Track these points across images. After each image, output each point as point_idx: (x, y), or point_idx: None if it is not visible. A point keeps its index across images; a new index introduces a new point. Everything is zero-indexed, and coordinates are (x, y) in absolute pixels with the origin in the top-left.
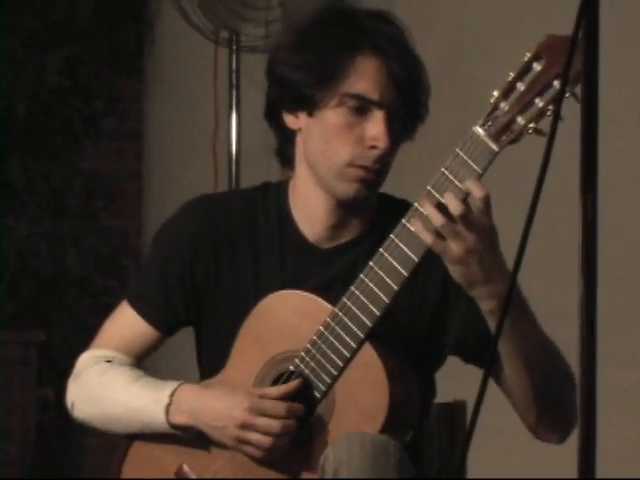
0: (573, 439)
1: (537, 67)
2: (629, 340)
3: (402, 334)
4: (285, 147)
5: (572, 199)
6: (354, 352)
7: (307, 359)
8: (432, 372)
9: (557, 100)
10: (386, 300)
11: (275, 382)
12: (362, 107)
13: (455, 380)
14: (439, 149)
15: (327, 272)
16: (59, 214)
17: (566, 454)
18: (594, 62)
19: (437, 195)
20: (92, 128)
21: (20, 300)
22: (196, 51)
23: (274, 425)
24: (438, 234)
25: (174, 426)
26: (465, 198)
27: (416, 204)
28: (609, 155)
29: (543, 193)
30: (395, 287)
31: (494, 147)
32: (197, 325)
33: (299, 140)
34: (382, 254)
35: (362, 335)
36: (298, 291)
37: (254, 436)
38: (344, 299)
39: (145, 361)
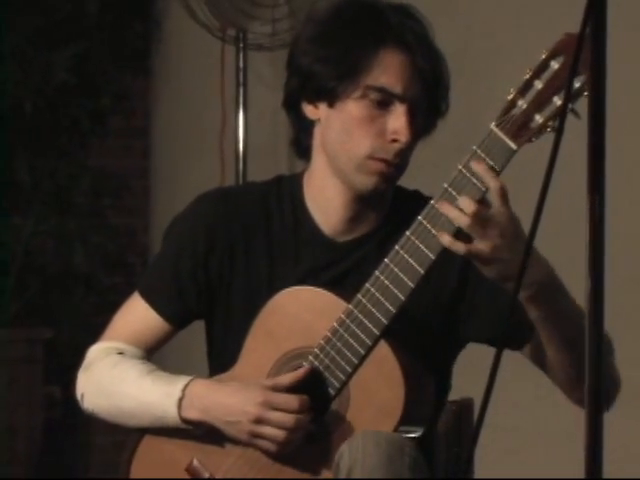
0: (580, 438)
1: (555, 65)
2: (636, 339)
3: (417, 326)
4: (302, 138)
5: (579, 199)
6: (369, 349)
7: (321, 356)
8: (449, 363)
9: (565, 98)
10: (402, 297)
11: None
12: (384, 100)
13: (462, 378)
14: (446, 147)
15: (342, 265)
16: (66, 212)
17: (573, 453)
18: (601, 61)
19: (454, 193)
20: (99, 126)
21: (27, 298)
22: (203, 49)
23: (288, 419)
24: (458, 235)
25: (186, 421)
26: (483, 197)
27: (432, 202)
28: (617, 155)
29: (550, 193)
30: (411, 284)
31: (512, 145)
32: (209, 319)
33: (317, 131)
34: (398, 251)
35: (377, 332)
36: (311, 287)
37: (268, 430)
38: (359, 296)
39: (153, 356)
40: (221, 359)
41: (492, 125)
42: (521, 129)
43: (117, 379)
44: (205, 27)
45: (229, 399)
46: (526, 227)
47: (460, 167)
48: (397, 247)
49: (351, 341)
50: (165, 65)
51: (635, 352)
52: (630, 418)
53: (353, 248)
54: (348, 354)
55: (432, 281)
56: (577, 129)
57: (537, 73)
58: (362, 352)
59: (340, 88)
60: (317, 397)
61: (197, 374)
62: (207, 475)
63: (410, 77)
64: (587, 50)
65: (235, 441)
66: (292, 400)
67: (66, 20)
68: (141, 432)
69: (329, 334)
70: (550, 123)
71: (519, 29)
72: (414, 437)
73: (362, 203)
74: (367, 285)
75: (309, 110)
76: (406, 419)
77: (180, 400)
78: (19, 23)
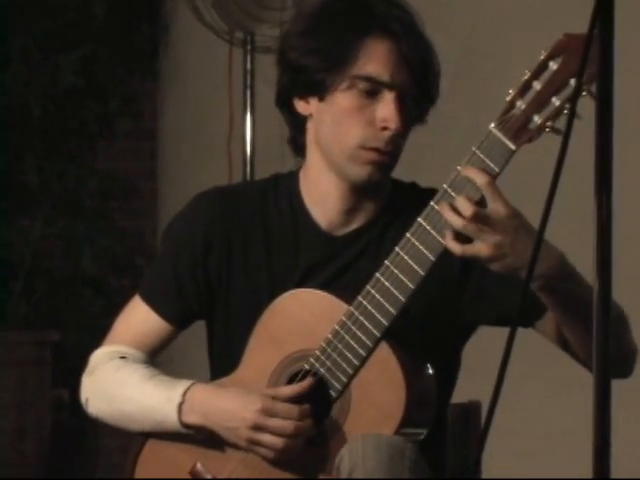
0: (587, 440)
1: (553, 66)
2: None
3: (422, 320)
4: (297, 135)
5: (586, 200)
6: (370, 351)
7: (322, 358)
8: (458, 350)
9: (572, 99)
10: (402, 299)
11: (290, 381)
12: (373, 89)
13: (469, 381)
14: (454, 148)
15: (341, 259)
16: (74, 214)
17: (581, 455)
18: (609, 61)
19: (453, 194)
20: (107, 128)
21: (35, 300)
22: (211, 51)
23: (286, 426)
24: (459, 235)
25: (186, 425)
26: (482, 197)
27: (432, 203)
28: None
29: (558, 193)
30: (411, 286)
31: (511, 146)
32: (209, 318)
33: (310, 126)
34: (398, 253)
35: (378, 334)
36: (313, 290)
37: (266, 437)
38: (360, 298)
39: (159, 360)
40: (222, 359)
41: (491, 126)
42: (520, 130)
43: (119, 383)
44: (213, 30)
45: (229, 405)
46: (535, 226)
47: (459, 168)
48: (397, 248)
49: (352, 343)
50: (173, 68)
51: None
52: (639, 418)
53: (351, 241)
54: (349, 356)
55: (435, 274)
56: (584, 130)
57: (536, 74)
58: (363, 354)
59: (328, 80)
60: (319, 400)
61: (200, 376)
62: (210, 478)
63: (397, 64)
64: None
65: (236, 446)
66: (291, 408)
67: (74, 23)
68: (145, 436)
69: (330, 336)
70: (549, 124)
71: (525, 31)
72: (418, 439)
73: (358, 194)
74: (368, 287)
75: (301, 106)
76: (408, 421)
77: (180, 405)
78: (27, 26)
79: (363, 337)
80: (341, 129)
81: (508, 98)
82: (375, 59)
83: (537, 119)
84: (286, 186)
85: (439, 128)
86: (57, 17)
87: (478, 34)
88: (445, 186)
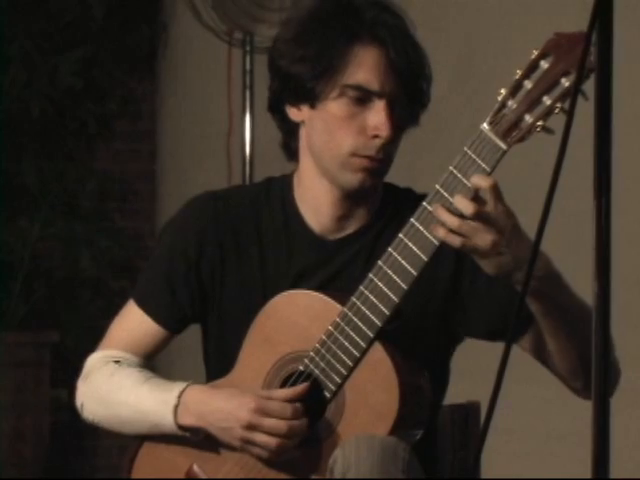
0: (587, 440)
1: (544, 65)
2: None
3: (412, 325)
4: (289, 140)
5: (586, 201)
6: (364, 351)
7: (317, 359)
8: (446, 359)
9: (571, 99)
10: (395, 300)
11: (284, 382)
12: (363, 97)
13: (469, 381)
14: (452, 149)
15: (334, 264)
16: (72, 215)
17: (580, 455)
18: (608, 62)
19: (446, 194)
20: (106, 129)
21: (33, 301)
22: (210, 52)
23: (280, 426)
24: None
25: (182, 427)
26: (475, 195)
27: (424, 203)
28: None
29: (557, 194)
30: (404, 286)
31: (502, 145)
32: (204, 322)
33: (302, 132)
34: (391, 253)
35: (372, 335)
36: (307, 291)
37: (260, 437)
38: (353, 299)
39: (158, 361)
40: (217, 361)
41: (482, 125)
42: (511, 129)
43: (114, 388)
44: (212, 30)
45: (223, 405)
46: (534, 228)
47: (451, 168)
48: (390, 249)
49: (346, 344)
50: (172, 68)
51: None
52: (638, 419)
53: (344, 246)
54: (343, 357)
55: (425, 278)
56: (583, 131)
57: (527, 73)
58: (357, 354)
59: (318, 88)
60: (313, 400)
61: (196, 379)
62: (205, 479)
63: (386, 72)
64: (578, 49)
65: (231, 447)
66: (285, 407)
67: (73, 24)
68: (141, 439)
69: (324, 337)
70: (540, 123)
71: (524, 31)
72: (413, 439)
73: (351, 201)
74: (361, 288)
75: (292, 112)
76: (402, 422)
77: (176, 407)
78: (26, 27)
79: (357, 338)
80: (332, 137)
81: (500, 98)
82: (364, 67)
83: (528, 118)
84: (279, 190)
85: (438, 128)
86: (56, 18)
87: (477, 35)
88: (437, 186)
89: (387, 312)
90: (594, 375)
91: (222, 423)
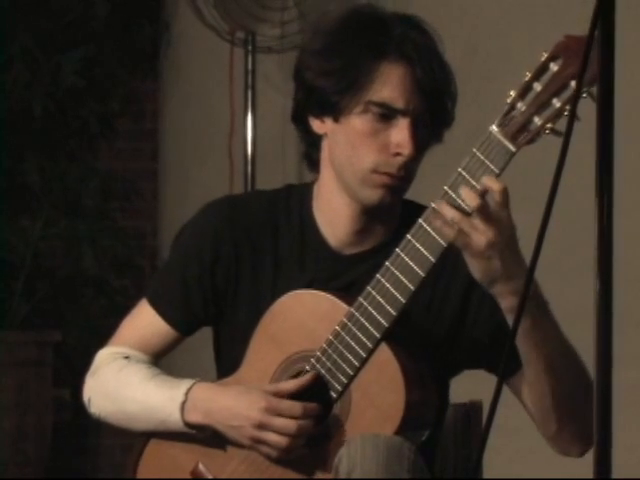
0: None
1: (554, 67)
2: None
3: (419, 337)
4: (312, 151)
5: (588, 200)
6: (370, 352)
7: (323, 359)
8: (446, 379)
9: (573, 100)
10: (403, 300)
11: None
12: (387, 114)
13: (471, 381)
14: (454, 149)
15: (346, 278)
16: (75, 214)
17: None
18: (610, 63)
19: (454, 195)
20: (108, 128)
21: (36, 300)
22: (212, 51)
23: (291, 425)
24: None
25: (189, 424)
26: (482, 195)
27: (433, 204)
28: (625, 156)
29: (559, 194)
30: (412, 287)
31: (511, 147)
32: (216, 325)
33: (325, 145)
34: (399, 254)
35: (379, 335)
36: (314, 290)
37: (270, 436)
38: (360, 299)
39: (164, 360)
40: (228, 365)
41: (491, 127)
42: (520, 131)
43: (122, 383)
44: (214, 30)
45: (232, 402)
46: (535, 228)
47: (460, 169)
48: (398, 250)
49: (352, 344)
50: (174, 68)
51: None
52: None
53: (358, 261)
54: (350, 357)
55: (436, 292)
56: (585, 131)
57: (536, 75)
58: (363, 355)
59: (343, 103)
60: (319, 400)
61: (206, 377)
62: (211, 478)
63: (411, 90)
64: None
65: (238, 445)
66: (295, 406)
67: (75, 23)
68: (147, 436)
69: (331, 337)
70: (549, 125)
71: (525, 31)
72: (419, 440)
73: (369, 216)
74: (368, 288)
75: (316, 124)
76: (408, 422)
77: (183, 404)
78: (28, 26)
79: (363, 338)
80: (354, 152)
81: (509, 99)
82: (390, 84)
83: (537, 120)
84: (298, 199)
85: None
86: (58, 17)
87: (479, 34)
88: (446, 188)
89: (394, 313)
90: (596, 375)
91: (231, 421)
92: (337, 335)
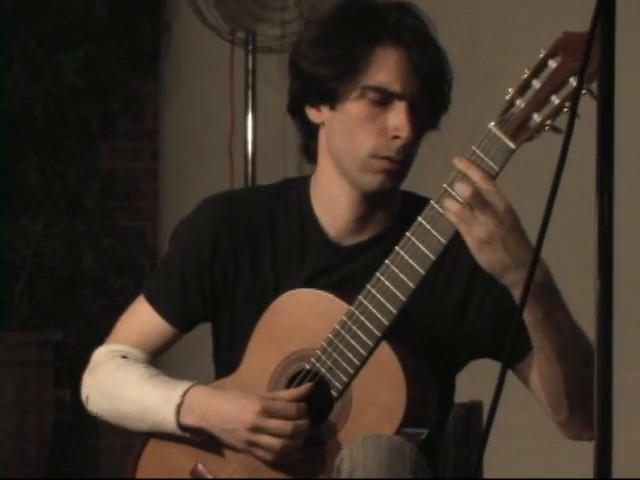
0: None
1: (553, 64)
2: None
3: (420, 332)
4: (309, 142)
5: (588, 200)
6: (371, 350)
7: (323, 358)
8: (451, 375)
9: (574, 98)
10: (403, 298)
11: (291, 381)
12: (384, 99)
13: (471, 380)
14: (455, 147)
15: (346, 269)
16: (75, 214)
17: (582, 454)
18: (610, 61)
19: (453, 193)
20: (108, 128)
21: (36, 300)
22: (212, 51)
23: (285, 427)
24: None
25: (184, 427)
26: (476, 187)
27: (432, 202)
28: (626, 155)
29: (559, 194)
30: (412, 285)
31: (511, 145)
32: (215, 322)
33: (322, 134)
34: (398, 252)
35: (379, 334)
36: (313, 289)
37: (265, 439)
38: (360, 297)
39: (164, 358)
40: (227, 362)
41: (491, 125)
42: (520, 128)
43: (119, 382)
44: (214, 30)
45: (227, 406)
46: (535, 229)
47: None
48: (397, 248)
49: (353, 343)
50: (174, 68)
51: None
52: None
53: (358, 252)
54: (350, 356)
55: (436, 286)
56: (585, 130)
57: (535, 72)
58: (364, 353)
59: (340, 89)
60: (320, 399)
61: (205, 377)
62: (211, 478)
63: (407, 74)
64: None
65: (235, 448)
66: (289, 407)
67: (75, 23)
68: (147, 436)
69: (331, 336)
70: (548, 122)
71: (525, 30)
72: (420, 439)
73: (369, 203)
74: (368, 286)
75: (313, 114)
76: (409, 420)
77: (179, 406)
78: (29, 26)
79: (364, 337)
80: (353, 138)
81: (508, 97)
82: (386, 69)
83: (537, 118)
84: (297, 192)
85: (441, 126)
86: (59, 17)
87: (478, 33)
88: (445, 185)
89: (394, 311)
90: (596, 375)
91: (226, 425)
92: (337, 334)
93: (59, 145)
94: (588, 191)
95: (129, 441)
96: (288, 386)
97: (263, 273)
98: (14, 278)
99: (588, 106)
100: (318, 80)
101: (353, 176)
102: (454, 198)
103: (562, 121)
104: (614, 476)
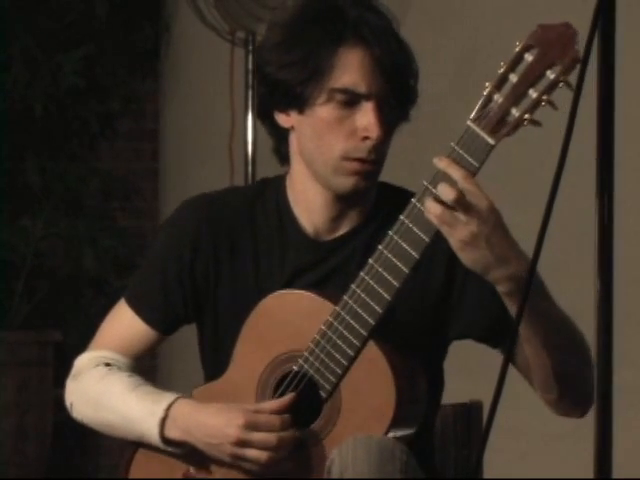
0: (589, 440)
1: (529, 57)
2: None
3: (404, 325)
4: (280, 145)
5: (588, 200)
6: (358, 350)
7: (311, 359)
8: (439, 361)
9: (574, 97)
10: (388, 298)
11: (279, 383)
12: (351, 100)
13: (471, 380)
14: None
15: (327, 264)
16: (75, 214)
17: (582, 455)
18: (610, 62)
19: (435, 191)
20: (108, 128)
21: (36, 300)
22: (212, 51)
23: (270, 439)
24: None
25: (167, 440)
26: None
27: (413, 200)
28: (626, 154)
29: (559, 194)
30: (396, 284)
31: (490, 141)
32: (198, 323)
33: (292, 138)
34: (382, 251)
35: (365, 333)
36: (298, 290)
37: (250, 452)
38: (346, 298)
39: (160, 359)
40: (213, 362)
41: (469, 121)
42: (498, 124)
43: (103, 392)
44: (214, 30)
45: (211, 420)
46: (535, 229)
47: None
48: (381, 247)
49: (340, 343)
50: (174, 68)
51: None
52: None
53: (337, 247)
54: (337, 356)
55: (419, 280)
56: (585, 130)
57: (512, 66)
58: (351, 353)
59: (306, 93)
60: (309, 401)
61: (200, 376)
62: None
63: (372, 73)
64: (562, 41)
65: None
66: (273, 420)
67: (75, 23)
68: (135, 445)
69: (318, 337)
70: (527, 116)
71: (526, 31)
72: (410, 433)
73: (343, 202)
74: (353, 286)
75: (282, 119)
76: (399, 419)
77: (163, 420)
78: (28, 26)
79: (350, 337)
80: (323, 142)
81: (485, 92)
82: (350, 69)
83: (515, 112)
84: (273, 191)
85: (439, 127)
86: (59, 17)
87: (479, 34)
88: (426, 183)
89: (380, 310)
90: (596, 375)
91: (210, 439)
92: (324, 335)
93: (59, 145)
94: (588, 191)
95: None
96: (277, 388)
97: (244, 272)
98: (14, 278)
99: (589, 106)
100: (284, 85)
101: (326, 178)
102: (435, 199)
103: (541, 115)
104: (614, 476)
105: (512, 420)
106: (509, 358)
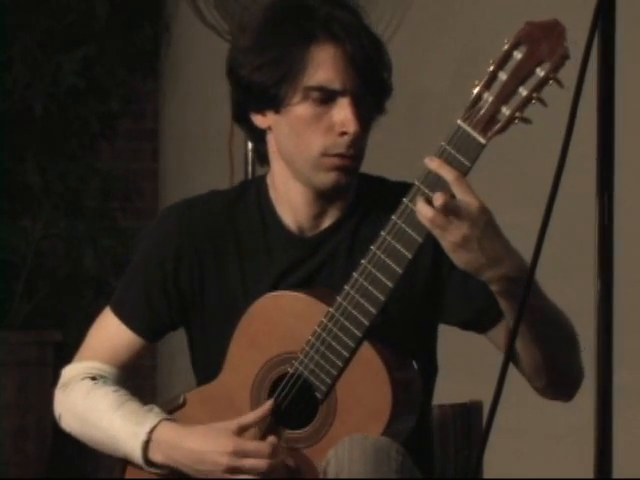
0: (589, 441)
1: (518, 55)
2: None
3: (394, 314)
4: (259, 146)
5: (588, 200)
6: (353, 351)
7: (305, 361)
8: (431, 346)
9: (574, 96)
10: (382, 298)
11: (274, 386)
12: (326, 97)
13: (471, 380)
14: None
15: (315, 260)
16: (75, 214)
17: (582, 455)
18: (610, 62)
19: (426, 190)
20: (108, 128)
21: (36, 300)
22: (212, 51)
23: (261, 465)
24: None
25: (150, 462)
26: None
27: (405, 200)
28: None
29: (559, 194)
30: (390, 285)
31: (481, 140)
32: (187, 329)
33: (270, 138)
34: (375, 252)
35: (360, 334)
36: (291, 292)
37: (242, 476)
38: (339, 299)
39: (162, 361)
40: (204, 366)
41: (459, 120)
42: (489, 122)
43: (89, 409)
44: (214, 30)
45: (197, 446)
46: (534, 229)
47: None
48: (373, 248)
49: (334, 344)
50: (174, 68)
51: None
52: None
53: (322, 241)
54: (332, 357)
55: (407, 275)
56: (586, 130)
57: (500, 64)
58: (346, 354)
59: (281, 93)
60: (304, 402)
61: (188, 380)
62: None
63: (345, 69)
64: (550, 38)
65: None
66: (262, 446)
67: (76, 23)
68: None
69: (312, 338)
70: (517, 114)
71: None
72: (406, 428)
73: (326, 198)
74: (347, 287)
75: (258, 120)
76: (395, 418)
77: (146, 443)
78: (29, 26)
79: (345, 338)
80: (301, 140)
81: (474, 90)
82: (323, 67)
83: (505, 110)
84: (255, 192)
85: (440, 127)
86: (59, 17)
87: (479, 34)
88: (417, 182)
89: (374, 311)
90: (596, 375)
91: (198, 466)
92: (318, 336)
93: (59, 145)
94: (588, 191)
95: None
96: (271, 390)
97: (230, 274)
98: (14, 278)
99: (589, 106)
100: (258, 87)
101: (307, 176)
102: (426, 200)
103: (531, 112)
104: (614, 476)
105: (512, 420)
106: (509, 358)
